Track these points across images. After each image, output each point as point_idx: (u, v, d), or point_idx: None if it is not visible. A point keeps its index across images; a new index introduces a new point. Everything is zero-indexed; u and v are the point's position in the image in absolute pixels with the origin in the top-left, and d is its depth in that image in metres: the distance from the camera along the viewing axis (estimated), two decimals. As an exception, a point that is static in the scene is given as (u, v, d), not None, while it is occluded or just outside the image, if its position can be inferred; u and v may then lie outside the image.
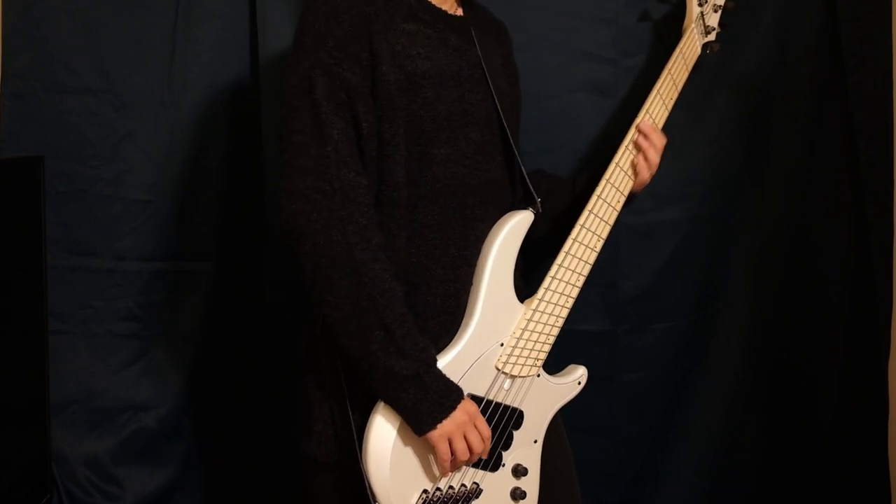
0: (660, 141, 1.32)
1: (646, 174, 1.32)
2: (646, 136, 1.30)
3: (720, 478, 1.81)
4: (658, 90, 1.35)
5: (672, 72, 1.39)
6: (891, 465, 1.79)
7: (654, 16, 1.66)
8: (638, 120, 1.31)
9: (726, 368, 1.79)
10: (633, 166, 1.30)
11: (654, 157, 1.32)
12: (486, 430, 1.14)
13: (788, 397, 1.81)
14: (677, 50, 1.42)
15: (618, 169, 1.28)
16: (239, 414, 1.74)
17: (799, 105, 1.73)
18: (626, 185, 1.30)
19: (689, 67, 1.45)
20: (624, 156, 1.29)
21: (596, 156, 1.68)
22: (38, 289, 1.65)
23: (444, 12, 1.23)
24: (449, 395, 1.10)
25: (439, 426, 1.09)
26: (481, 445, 1.13)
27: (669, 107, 1.39)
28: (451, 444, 1.11)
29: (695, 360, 1.78)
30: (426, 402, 1.08)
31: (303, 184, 1.07)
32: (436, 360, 1.11)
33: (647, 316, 1.73)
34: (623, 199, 1.30)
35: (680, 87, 1.41)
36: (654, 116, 1.33)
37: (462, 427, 1.11)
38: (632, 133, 1.30)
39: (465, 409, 1.11)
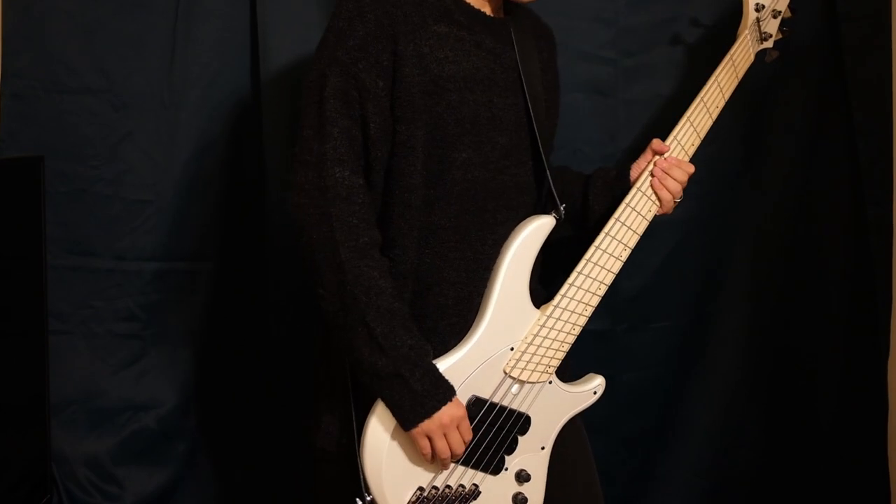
0: (681, 175, 1.28)
1: (668, 205, 1.30)
2: (663, 170, 1.27)
3: (720, 477, 1.81)
4: (702, 98, 1.30)
5: (720, 80, 1.33)
6: (891, 465, 1.79)
7: (659, 17, 1.66)
8: (667, 147, 1.27)
9: (725, 368, 1.79)
10: (656, 191, 1.27)
11: (675, 187, 1.28)
12: (468, 435, 1.14)
13: (788, 397, 1.81)
14: (727, 56, 1.36)
15: (642, 189, 1.26)
16: (239, 414, 1.74)
17: (799, 105, 1.73)
18: (650, 209, 1.27)
19: (740, 76, 1.38)
20: (646, 182, 1.26)
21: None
22: (38, 289, 1.65)
23: (483, 14, 1.21)
24: (434, 395, 1.10)
25: (420, 425, 1.10)
26: (461, 448, 1.13)
27: (714, 115, 1.33)
28: (431, 442, 1.11)
29: (694, 359, 1.78)
30: (407, 401, 1.09)
31: (304, 178, 1.10)
32: (425, 359, 1.11)
33: (646, 315, 1.73)
34: (651, 214, 1.27)
35: (728, 95, 1.35)
36: (682, 143, 1.29)
37: (443, 428, 1.11)
38: (651, 164, 1.27)
39: (449, 412, 1.11)
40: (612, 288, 1.71)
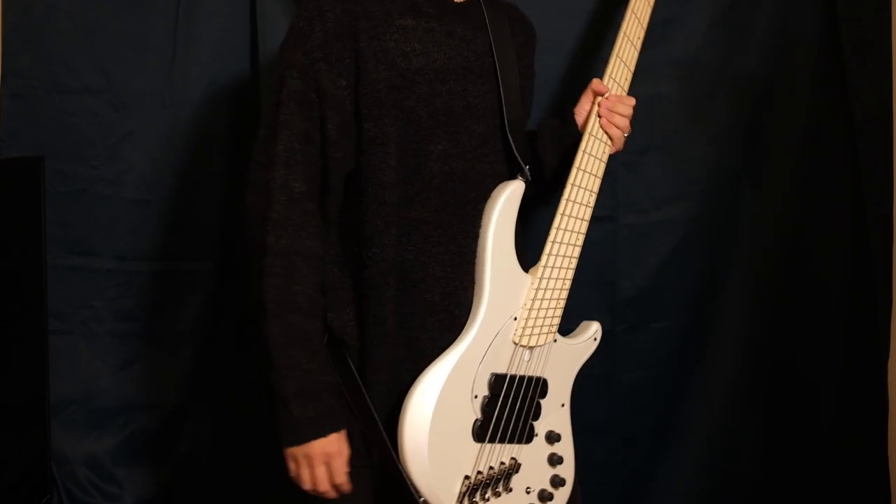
0: (626, 109, 1.28)
1: (619, 142, 1.30)
2: (609, 109, 1.27)
3: (720, 477, 1.81)
4: (625, 32, 1.32)
5: (636, 11, 1.35)
6: (891, 465, 1.79)
7: (659, 17, 1.65)
8: (606, 86, 1.29)
9: (725, 368, 1.79)
10: (606, 130, 1.28)
11: (622, 122, 1.28)
12: (339, 477, 1.12)
13: (788, 397, 1.81)
14: None
15: (593, 133, 1.27)
16: (239, 414, 1.74)
17: (799, 106, 1.73)
18: (605, 150, 1.28)
19: (651, 3, 1.40)
20: (595, 124, 1.27)
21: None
22: (38, 289, 1.65)
23: (451, 2, 1.21)
24: (310, 424, 1.08)
25: (289, 449, 1.10)
26: (324, 486, 1.11)
27: (638, 47, 1.35)
28: (297, 467, 1.11)
29: (694, 359, 1.78)
30: (284, 421, 1.09)
31: (256, 177, 1.13)
32: (314, 386, 1.09)
33: (646, 315, 1.73)
34: (606, 154, 1.28)
35: (645, 24, 1.37)
36: (617, 80, 1.31)
37: (307, 460, 1.09)
38: (596, 105, 1.28)
39: (321, 447, 1.09)
40: (612, 288, 1.73)
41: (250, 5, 1.63)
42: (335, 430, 1.10)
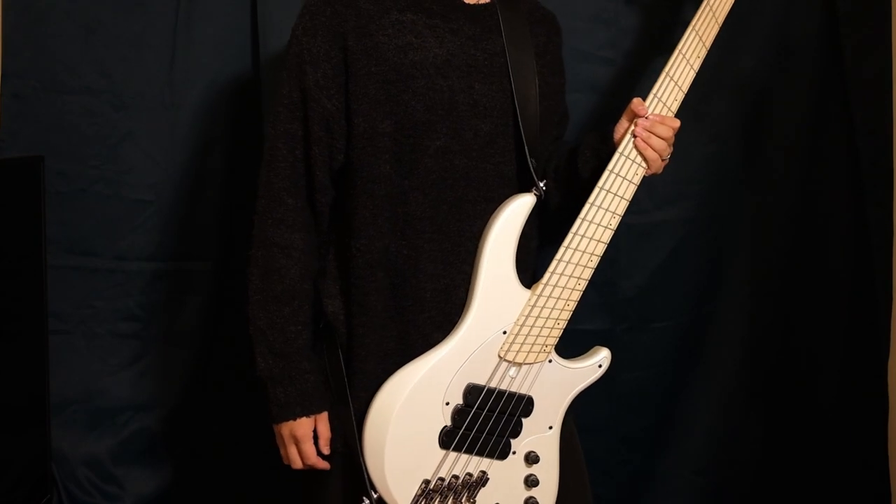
0: (666, 131, 1.21)
1: (656, 165, 1.23)
2: (646, 129, 1.20)
3: (719, 476, 1.81)
4: (681, 50, 1.23)
5: (698, 28, 1.25)
6: (891, 465, 1.79)
7: (658, 17, 1.65)
8: (646, 108, 1.21)
9: (726, 367, 1.79)
10: (641, 151, 1.21)
11: (660, 145, 1.21)
12: (309, 459, 1.18)
13: (788, 396, 1.81)
14: (704, 2, 1.28)
15: (625, 153, 1.21)
16: (239, 414, 1.74)
17: (799, 105, 1.73)
18: (637, 172, 1.21)
19: (720, 20, 1.29)
20: (628, 145, 1.21)
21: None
22: (38, 289, 1.65)
23: (461, 2, 1.20)
24: (281, 410, 1.16)
25: (274, 425, 1.19)
26: (298, 464, 1.19)
27: (696, 66, 1.25)
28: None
29: (694, 358, 1.78)
30: (269, 404, 1.18)
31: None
32: (290, 372, 1.16)
33: (646, 315, 1.73)
34: (639, 177, 1.21)
35: (708, 42, 1.27)
36: (664, 99, 1.22)
37: (282, 440, 1.19)
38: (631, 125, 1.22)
39: (289, 429, 1.17)
40: (613, 287, 1.73)
41: (251, 5, 1.63)
42: (306, 413, 1.16)
